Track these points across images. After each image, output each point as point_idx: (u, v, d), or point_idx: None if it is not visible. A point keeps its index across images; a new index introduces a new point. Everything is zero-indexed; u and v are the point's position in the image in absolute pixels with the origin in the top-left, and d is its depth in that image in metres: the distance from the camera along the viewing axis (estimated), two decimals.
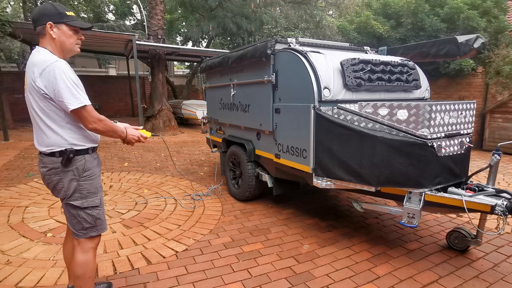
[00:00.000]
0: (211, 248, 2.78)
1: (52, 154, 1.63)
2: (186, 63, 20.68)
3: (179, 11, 16.10)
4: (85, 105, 1.58)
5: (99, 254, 2.59)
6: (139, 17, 18.78)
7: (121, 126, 1.82)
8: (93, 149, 1.77)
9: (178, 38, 19.75)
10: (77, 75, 1.64)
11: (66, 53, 1.69)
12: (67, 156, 1.62)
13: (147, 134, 2.06)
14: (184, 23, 17.47)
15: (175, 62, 23.41)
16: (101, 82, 14.82)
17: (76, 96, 1.55)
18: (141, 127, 2.05)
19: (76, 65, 19.04)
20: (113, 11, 19.14)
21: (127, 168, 5.56)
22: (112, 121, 1.79)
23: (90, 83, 14.00)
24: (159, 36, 9.91)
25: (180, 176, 5.07)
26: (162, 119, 9.77)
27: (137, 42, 8.61)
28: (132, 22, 19.56)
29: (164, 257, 2.60)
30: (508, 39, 7.27)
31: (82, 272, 1.72)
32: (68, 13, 1.65)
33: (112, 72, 19.90)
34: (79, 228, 1.72)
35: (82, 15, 17.23)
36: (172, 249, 2.74)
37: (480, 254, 2.72)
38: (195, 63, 14.73)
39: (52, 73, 1.52)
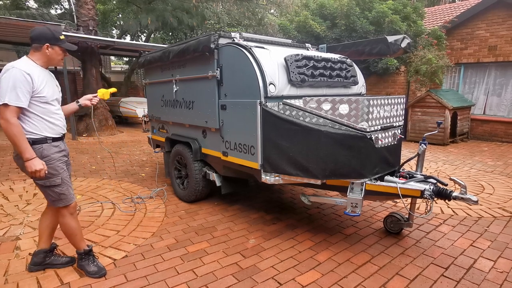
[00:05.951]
0: (154, 252, 2.65)
1: None
2: (125, 58, 19.29)
3: (114, 2, 14.94)
4: (4, 103, 1.87)
5: (19, 273, 2.30)
6: (67, 6, 16.96)
7: (30, 153, 1.95)
8: (54, 139, 2.09)
9: (115, 31, 18.36)
10: None
11: (50, 64, 2.16)
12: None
13: (105, 93, 2.44)
14: (120, 15, 16.28)
15: (112, 57, 21.73)
16: None
17: (2, 95, 1.87)
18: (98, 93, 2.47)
19: None
20: None
21: None
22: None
23: None
24: (90, 28, 9.08)
25: (119, 179, 4.73)
26: (97, 118, 9.01)
27: (63, 33, 7.73)
28: (59, 11, 17.60)
29: None
30: (424, 41, 8.24)
31: (65, 230, 2.24)
32: (61, 37, 2.12)
33: None
34: (49, 200, 2.17)
35: None
36: (110, 257, 2.54)
37: (405, 232, 3.04)
38: (134, 58, 13.86)
39: (3, 75, 1.90)
